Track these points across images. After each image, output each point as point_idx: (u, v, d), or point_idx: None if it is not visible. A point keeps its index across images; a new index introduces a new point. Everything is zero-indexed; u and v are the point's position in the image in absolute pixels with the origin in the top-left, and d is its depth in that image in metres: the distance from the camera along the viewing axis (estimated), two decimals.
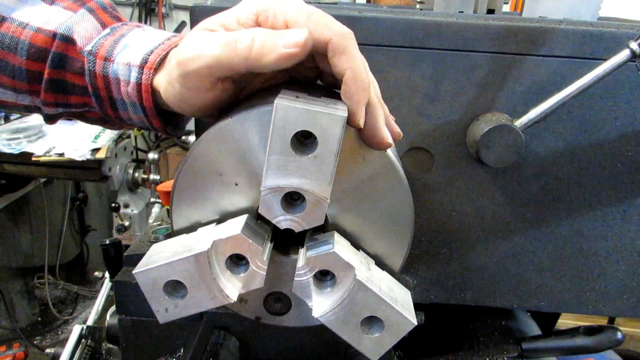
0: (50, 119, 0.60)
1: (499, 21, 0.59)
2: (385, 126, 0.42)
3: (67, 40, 0.52)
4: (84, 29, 0.53)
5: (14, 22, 0.52)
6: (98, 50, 0.51)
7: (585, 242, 0.66)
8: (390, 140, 0.42)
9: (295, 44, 0.38)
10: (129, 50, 0.51)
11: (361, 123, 0.40)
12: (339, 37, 0.40)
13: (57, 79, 0.54)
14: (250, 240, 0.41)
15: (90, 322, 1.48)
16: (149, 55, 0.50)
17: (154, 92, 0.50)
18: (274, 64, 0.39)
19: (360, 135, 0.42)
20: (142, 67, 0.50)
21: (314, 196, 0.40)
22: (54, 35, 0.52)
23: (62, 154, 1.95)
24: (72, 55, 0.53)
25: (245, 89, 0.49)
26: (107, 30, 0.53)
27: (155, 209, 2.05)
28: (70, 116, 0.60)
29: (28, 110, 0.58)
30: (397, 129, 0.45)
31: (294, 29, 0.40)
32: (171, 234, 0.48)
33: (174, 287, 0.42)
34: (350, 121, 0.39)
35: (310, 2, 0.66)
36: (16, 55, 0.52)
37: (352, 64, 0.40)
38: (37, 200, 2.40)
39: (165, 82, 0.48)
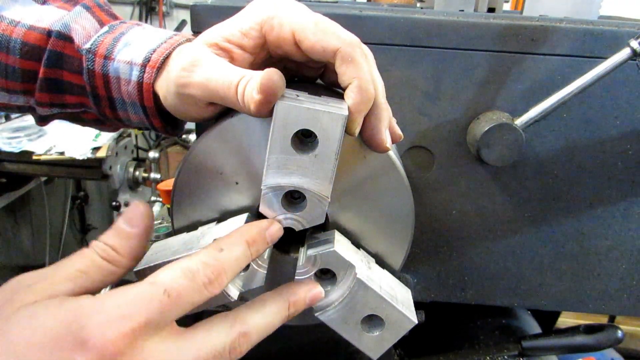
0: (42, 121, 0.59)
1: (499, 20, 0.59)
2: (387, 129, 0.42)
3: (65, 38, 0.51)
4: (81, 27, 0.52)
5: (4, 20, 0.51)
6: (97, 49, 0.51)
7: (585, 240, 0.66)
8: (389, 144, 0.42)
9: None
10: (130, 48, 0.50)
11: (356, 132, 0.40)
12: (347, 46, 0.40)
13: (52, 78, 0.52)
14: None
15: None
16: (151, 54, 0.49)
17: (154, 92, 0.50)
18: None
19: (361, 135, 0.42)
20: (144, 65, 0.49)
21: (315, 195, 0.40)
22: (49, 33, 0.51)
23: (62, 153, 1.95)
24: (69, 54, 0.52)
25: None
26: (106, 28, 0.53)
27: (156, 208, 2.04)
28: (64, 117, 0.59)
29: (21, 110, 0.57)
30: (398, 131, 0.45)
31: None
32: (172, 232, 0.48)
33: None
34: (346, 128, 0.39)
35: (310, 1, 0.66)
36: (8, 54, 0.51)
37: (359, 74, 0.39)
38: (38, 198, 2.40)
39: (164, 90, 0.47)
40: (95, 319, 0.31)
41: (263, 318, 0.39)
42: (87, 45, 0.51)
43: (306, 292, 0.42)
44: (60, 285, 0.34)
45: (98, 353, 0.30)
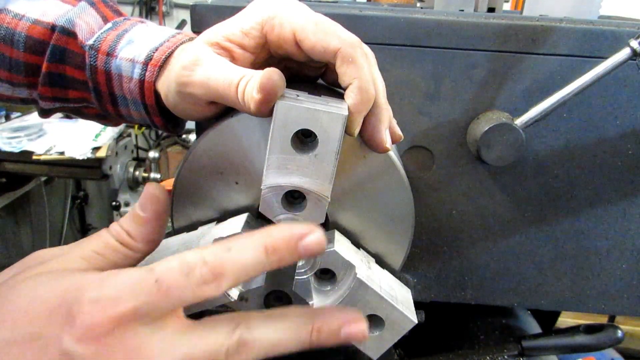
0: (45, 113, 0.59)
1: (499, 20, 0.59)
2: (387, 129, 0.42)
3: (68, 34, 0.51)
4: (85, 23, 0.52)
5: (9, 13, 0.51)
6: (100, 45, 0.51)
7: (585, 240, 0.66)
8: (389, 145, 0.42)
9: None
10: (133, 46, 0.50)
11: (356, 132, 0.40)
12: (348, 46, 0.40)
13: (56, 72, 0.53)
14: None
15: None
16: (153, 52, 0.49)
17: (156, 90, 0.50)
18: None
19: (361, 135, 0.42)
20: (146, 63, 0.49)
21: (315, 195, 0.40)
22: (53, 28, 0.51)
23: (62, 153, 1.95)
24: (72, 49, 0.52)
25: None
26: (110, 24, 0.53)
27: None
28: (67, 111, 0.59)
29: (24, 103, 0.58)
30: (398, 131, 0.45)
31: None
32: (171, 232, 0.48)
33: None
34: (346, 128, 0.39)
35: (310, 1, 0.66)
36: (13, 47, 0.51)
37: (359, 74, 0.39)
38: (38, 198, 2.40)
39: (165, 89, 0.47)
40: (88, 296, 0.30)
41: (273, 332, 0.33)
42: (90, 42, 0.51)
43: (340, 323, 0.35)
44: (75, 263, 0.34)
45: (84, 331, 0.30)
